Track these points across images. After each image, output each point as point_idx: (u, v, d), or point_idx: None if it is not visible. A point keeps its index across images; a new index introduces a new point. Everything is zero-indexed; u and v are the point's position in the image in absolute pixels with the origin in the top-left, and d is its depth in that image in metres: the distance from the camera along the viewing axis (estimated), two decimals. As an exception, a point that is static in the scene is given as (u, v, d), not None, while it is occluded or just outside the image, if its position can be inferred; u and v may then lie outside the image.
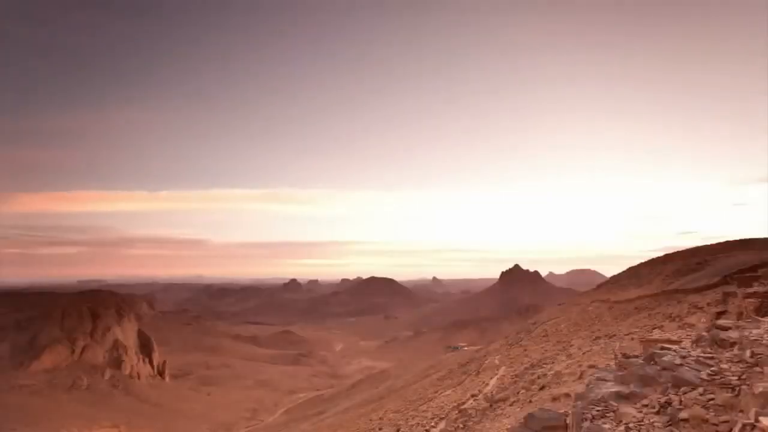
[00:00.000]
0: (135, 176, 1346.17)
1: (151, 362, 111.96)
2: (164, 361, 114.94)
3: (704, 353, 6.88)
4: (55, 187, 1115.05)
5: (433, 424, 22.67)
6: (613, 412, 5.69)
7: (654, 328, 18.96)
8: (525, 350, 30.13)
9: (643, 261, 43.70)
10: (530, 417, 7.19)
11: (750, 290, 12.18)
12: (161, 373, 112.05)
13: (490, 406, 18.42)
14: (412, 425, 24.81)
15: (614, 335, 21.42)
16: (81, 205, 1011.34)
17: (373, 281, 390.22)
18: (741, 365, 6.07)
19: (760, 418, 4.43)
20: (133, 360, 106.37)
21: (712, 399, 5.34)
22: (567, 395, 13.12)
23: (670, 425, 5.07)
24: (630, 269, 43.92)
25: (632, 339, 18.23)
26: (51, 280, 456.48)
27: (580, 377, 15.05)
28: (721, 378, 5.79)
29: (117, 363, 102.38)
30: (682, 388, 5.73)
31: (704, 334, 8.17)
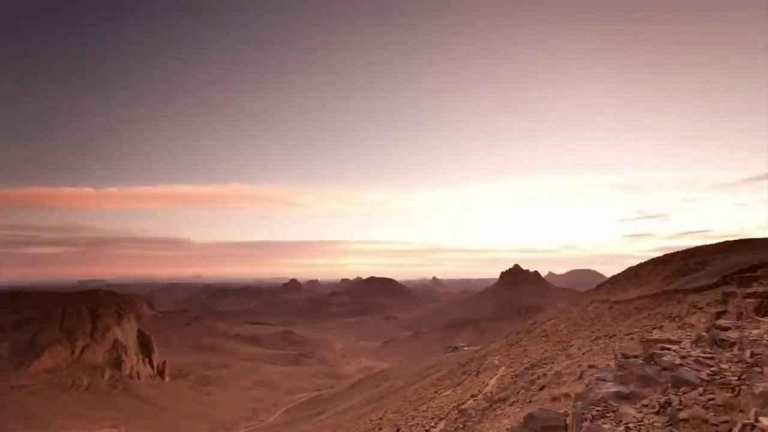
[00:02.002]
0: (79, 171, 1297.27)
1: (150, 362, 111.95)
2: (164, 361, 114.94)
3: (704, 353, 6.88)
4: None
5: (433, 424, 22.63)
6: (613, 412, 5.70)
7: (654, 328, 18.96)
8: (525, 350, 30.09)
9: (643, 261, 43.75)
10: (530, 417, 7.19)
11: (750, 290, 12.18)
12: (161, 374, 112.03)
13: (490, 406, 18.40)
14: (412, 425, 24.77)
15: (614, 335, 21.41)
16: (30, 201, 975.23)
17: (373, 281, 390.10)
18: (741, 365, 6.08)
19: (760, 418, 4.44)
20: (132, 360, 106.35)
21: (712, 399, 5.34)
22: (567, 395, 13.12)
23: (669, 425, 5.07)
24: (630, 269, 43.96)
25: (632, 339, 18.25)
26: (34, 280, 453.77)
27: (580, 377, 15.06)
28: (721, 378, 5.79)
29: (117, 363, 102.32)
30: (682, 388, 5.73)
31: (704, 334, 8.18)
